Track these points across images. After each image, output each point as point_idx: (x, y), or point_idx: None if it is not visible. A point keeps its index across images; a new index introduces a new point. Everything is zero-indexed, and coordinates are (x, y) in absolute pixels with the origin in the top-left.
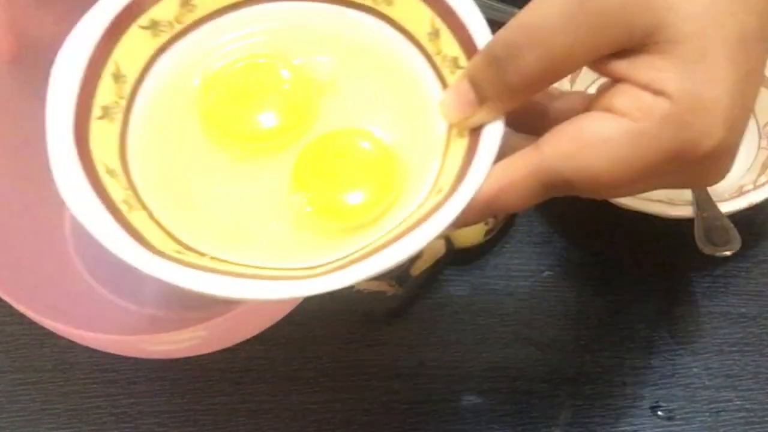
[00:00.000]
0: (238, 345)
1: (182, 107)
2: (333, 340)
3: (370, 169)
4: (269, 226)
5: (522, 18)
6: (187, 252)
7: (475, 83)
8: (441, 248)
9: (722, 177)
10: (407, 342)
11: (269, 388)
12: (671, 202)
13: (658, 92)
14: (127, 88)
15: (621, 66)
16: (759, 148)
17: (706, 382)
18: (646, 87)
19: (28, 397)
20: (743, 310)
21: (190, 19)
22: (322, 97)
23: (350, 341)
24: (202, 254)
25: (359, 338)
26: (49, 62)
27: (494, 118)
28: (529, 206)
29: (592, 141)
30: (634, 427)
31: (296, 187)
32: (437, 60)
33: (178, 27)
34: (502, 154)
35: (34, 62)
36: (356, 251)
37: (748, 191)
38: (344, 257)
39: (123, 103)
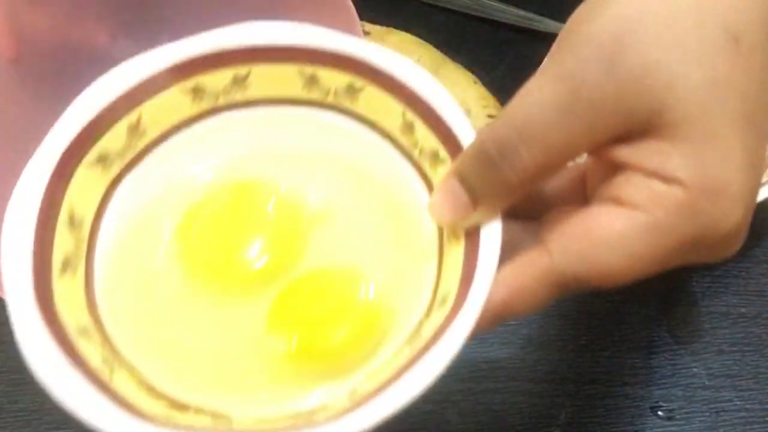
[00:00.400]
0: None
1: (149, 244)
2: None
3: (350, 313)
4: (252, 370)
5: (512, 112)
6: (173, 410)
7: (467, 184)
8: None
9: (737, 249)
10: None
11: None
12: None
13: (668, 179)
14: (84, 234)
15: (623, 153)
16: None
17: (706, 382)
18: (654, 174)
19: (27, 398)
20: (743, 310)
21: (141, 145)
22: (311, 231)
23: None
24: (185, 406)
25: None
26: (49, 62)
27: (490, 219)
28: (540, 310)
29: (605, 238)
30: (634, 427)
31: (272, 330)
32: (415, 154)
33: (130, 156)
34: (502, 250)
35: (34, 62)
36: (365, 382)
37: None
38: (354, 389)
39: (83, 251)
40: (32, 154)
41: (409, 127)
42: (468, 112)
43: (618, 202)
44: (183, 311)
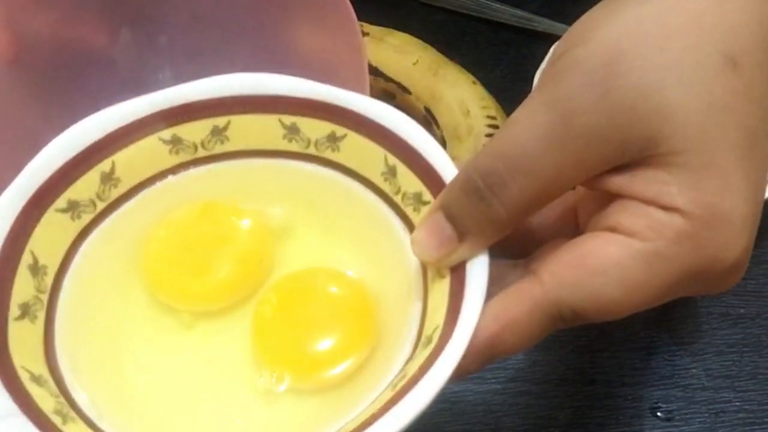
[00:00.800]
0: None
1: (116, 286)
2: None
3: (343, 314)
4: (234, 415)
5: (500, 144)
6: None
7: (452, 218)
8: None
9: (739, 280)
10: None
11: None
12: None
13: (667, 208)
14: (48, 281)
15: (618, 181)
16: None
17: (705, 383)
18: (652, 202)
19: None
20: (742, 310)
21: (114, 194)
22: (277, 246)
23: None
24: None
25: None
26: (48, 63)
27: (477, 254)
28: (533, 344)
29: (601, 266)
30: (634, 428)
31: (260, 361)
32: (397, 199)
33: (101, 206)
34: (489, 288)
35: (33, 62)
36: (345, 426)
37: None
38: None
39: (44, 298)
40: (31, 155)
41: (391, 172)
42: (467, 113)
43: (614, 230)
44: (154, 360)
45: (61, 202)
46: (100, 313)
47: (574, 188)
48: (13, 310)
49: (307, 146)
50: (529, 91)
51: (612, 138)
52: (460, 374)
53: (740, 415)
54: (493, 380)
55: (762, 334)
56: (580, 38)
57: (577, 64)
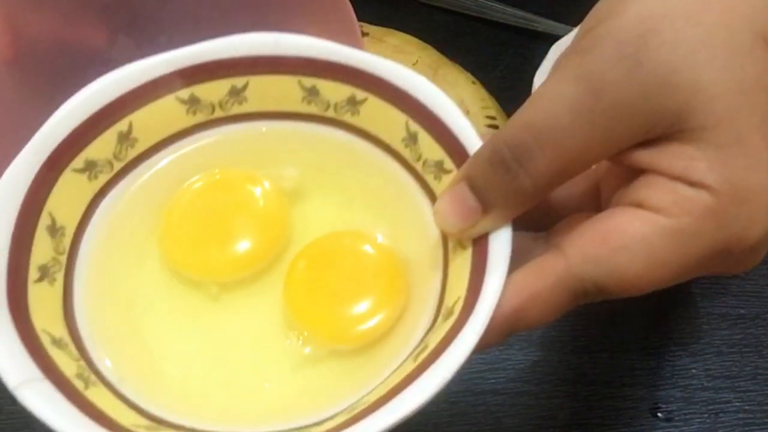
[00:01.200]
0: None
1: (135, 253)
2: None
3: (373, 276)
4: (260, 378)
5: (528, 116)
6: (161, 428)
7: (477, 189)
8: None
9: (758, 261)
10: None
11: None
12: None
13: (695, 184)
14: (66, 243)
15: (646, 156)
16: None
17: (705, 384)
18: (679, 178)
19: None
20: (742, 311)
21: (131, 155)
22: (295, 211)
23: None
24: (180, 428)
25: None
26: (47, 63)
27: (500, 226)
28: (555, 319)
29: (626, 242)
30: (633, 429)
31: (291, 322)
32: (418, 166)
33: (118, 166)
34: (511, 260)
35: (33, 63)
36: (367, 395)
37: None
38: (354, 404)
39: (63, 260)
40: None
41: (412, 138)
42: (467, 113)
43: (640, 205)
44: (174, 322)
45: (78, 161)
46: (119, 275)
47: (599, 162)
48: (33, 273)
49: (326, 109)
50: (529, 91)
51: (641, 112)
52: (481, 347)
53: (740, 416)
54: (493, 380)
55: (762, 335)
56: (609, 12)
57: (607, 37)
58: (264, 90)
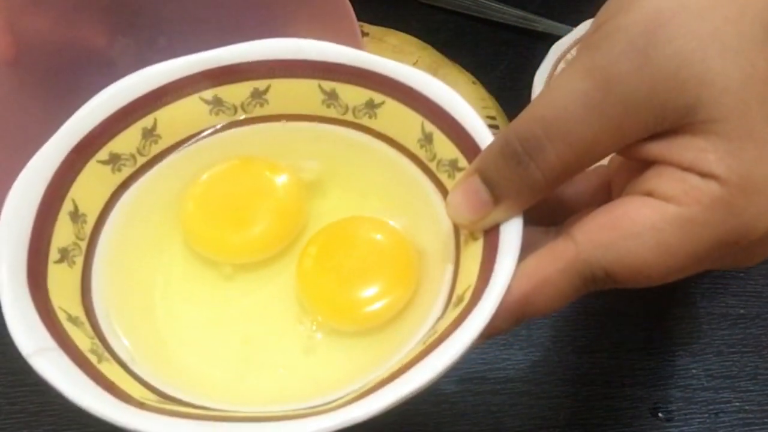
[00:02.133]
0: None
1: (154, 238)
2: None
3: (385, 260)
4: (273, 361)
5: (539, 108)
6: (171, 403)
7: (489, 181)
8: None
9: (766, 256)
10: None
11: None
12: None
13: (704, 174)
14: (87, 229)
15: (656, 148)
16: None
17: (705, 384)
18: (689, 168)
19: (26, 399)
20: (742, 311)
21: (154, 150)
22: (312, 198)
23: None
24: (189, 405)
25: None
26: (48, 64)
27: (511, 218)
28: (565, 305)
29: (636, 229)
30: (633, 429)
31: (304, 304)
32: (432, 166)
33: (142, 160)
34: (521, 252)
35: (33, 63)
36: (376, 377)
37: None
38: (364, 386)
39: (83, 245)
40: (31, 155)
41: (428, 139)
42: None
43: (650, 194)
44: (190, 304)
45: (103, 153)
46: (136, 264)
47: (609, 156)
48: (53, 254)
49: (345, 112)
50: (530, 91)
51: (652, 104)
52: (491, 333)
53: (740, 416)
54: (493, 380)
55: (762, 335)
56: (620, 7)
57: (618, 31)
58: (285, 93)
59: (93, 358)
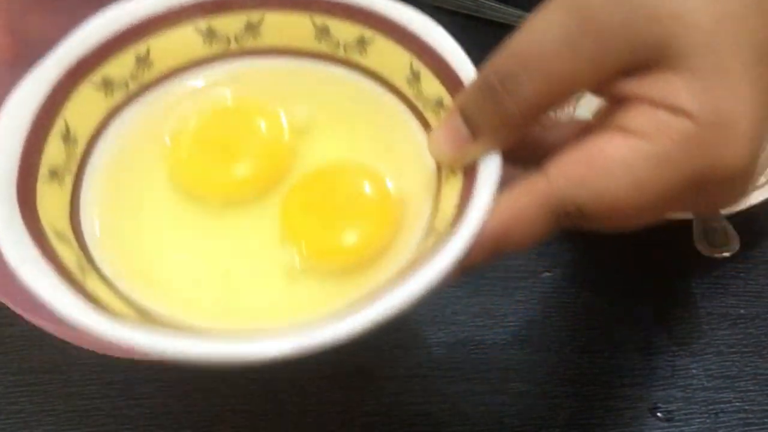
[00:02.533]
0: None
1: (144, 167)
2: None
3: (365, 202)
4: (253, 287)
5: (516, 44)
6: (150, 320)
7: (468, 116)
8: None
9: (740, 198)
10: (405, 344)
11: (268, 390)
12: None
13: (676, 110)
14: (77, 151)
15: (629, 85)
16: None
17: (705, 384)
18: (661, 104)
19: (26, 399)
20: (742, 311)
21: (147, 77)
22: (299, 140)
23: (348, 343)
24: (170, 323)
25: (358, 340)
26: None
27: (490, 153)
28: (539, 241)
29: (608, 164)
30: (633, 429)
31: (286, 237)
32: (419, 104)
33: (134, 86)
34: (500, 189)
35: (33, 64)
36: (355, 300)
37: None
38: (337, 310)
39: (73, 167)
40: None
41: (415, 77)
42: None
43: (622, 130)
44: (176, 231)
45: (96, 76)
46: (126, 190)
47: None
48: (43, 172)
49: (336, 48)
50: None
51: (626, 37)
52: (467, 266)
53: (740, 416)
54: (493, 380)
55: (762, 335)
56: None
57: None
58: (278, 26)
59: (78, 272)
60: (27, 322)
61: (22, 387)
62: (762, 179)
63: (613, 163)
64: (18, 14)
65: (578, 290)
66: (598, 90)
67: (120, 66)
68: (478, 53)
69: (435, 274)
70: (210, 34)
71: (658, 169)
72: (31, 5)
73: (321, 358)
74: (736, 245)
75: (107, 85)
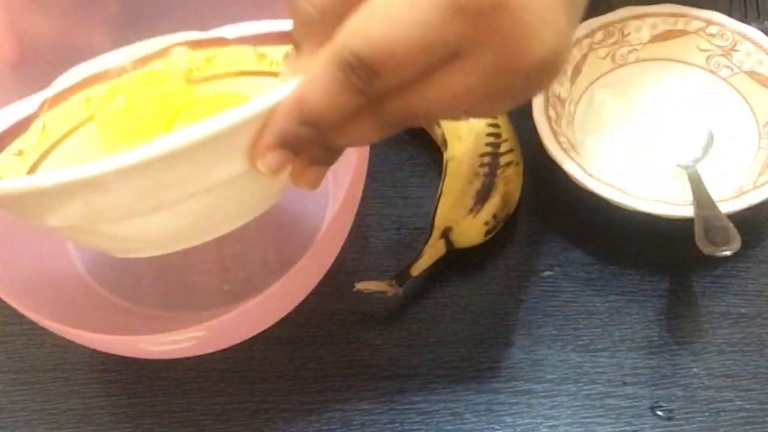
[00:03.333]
0: (238, 345)
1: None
2: (333, 340)
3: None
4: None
5: None
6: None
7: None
8: (441, 249)
9: (552, 74)
10: (406, 342)
11: (269, 388)
12: (671, 202)
13: None
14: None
15: None
16: (759, 148)
17: (706, 382)
18: None
19: (27, 397)
20: (743, 310)
21: (49, 141)
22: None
23: (350, 341)
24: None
25: (359, 338)
26: (50, 65)
27: (311, 63)
28: (340, 102)
29: (369, 8)
30: (634, 427)
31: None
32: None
33: (41, 149)
34: None
35: (36, 66)
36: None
37: (748, 191)
38: None
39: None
40: None
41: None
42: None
43: None
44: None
45: (14, 147)
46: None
47: None
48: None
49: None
50: None
51: None
52: (279, 135)
53: (741, 414)
54: (493, 380)
55: (763, 334)
56: None
57: None
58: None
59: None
60: (29, 321)
61: (24, 385)
62: (762, 179)
63: (375, 6)
64: (21, 17)
65: (579, 289)
66: None
67: (28, 137)
68: None
69: (231, 119)
70: (88, 102)
71: (414, 2)
72: (31, 5)
73: (321, 357)
74: (737, 244)
75: (20, 154)
